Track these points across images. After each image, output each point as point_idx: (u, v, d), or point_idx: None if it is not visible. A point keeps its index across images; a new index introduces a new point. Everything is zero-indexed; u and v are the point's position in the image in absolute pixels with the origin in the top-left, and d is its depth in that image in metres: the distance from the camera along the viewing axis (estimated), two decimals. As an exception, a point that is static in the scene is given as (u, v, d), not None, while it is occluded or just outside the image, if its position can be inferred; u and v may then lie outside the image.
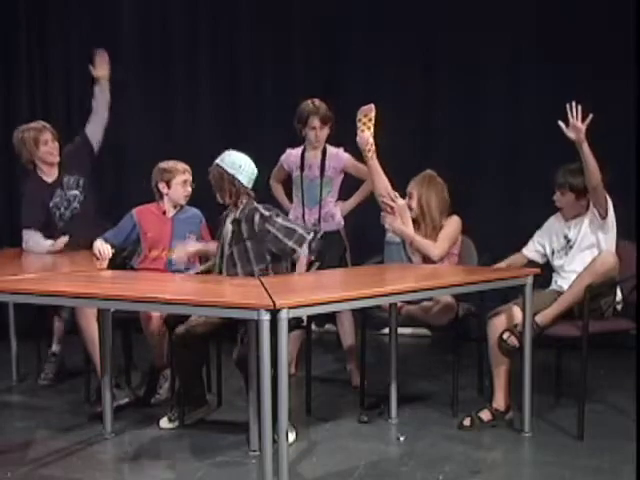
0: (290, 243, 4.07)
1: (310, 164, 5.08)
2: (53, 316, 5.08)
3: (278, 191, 5.34)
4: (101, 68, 5.18)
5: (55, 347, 5.07)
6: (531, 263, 4.52)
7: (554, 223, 4.51)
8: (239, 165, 4.13)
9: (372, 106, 4.52)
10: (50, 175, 5.01)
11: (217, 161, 4.18)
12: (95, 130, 5.14)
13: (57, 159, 4.99)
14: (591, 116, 4.12)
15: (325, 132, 5.02)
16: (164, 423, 4.27)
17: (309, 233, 4.13)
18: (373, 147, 4.55)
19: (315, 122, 4.98)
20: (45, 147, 4.95)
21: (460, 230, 4.64)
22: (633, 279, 4.25)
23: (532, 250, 4.57)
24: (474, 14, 6.03)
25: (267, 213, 4.09)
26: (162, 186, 4.68)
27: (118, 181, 6.58)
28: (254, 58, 6.49)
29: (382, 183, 4.60)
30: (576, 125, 4.13)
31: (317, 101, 5.03)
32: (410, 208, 4.60)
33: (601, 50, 5.70)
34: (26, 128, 4.99)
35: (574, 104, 4.14)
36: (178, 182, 4.66)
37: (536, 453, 3.95)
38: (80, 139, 5.11)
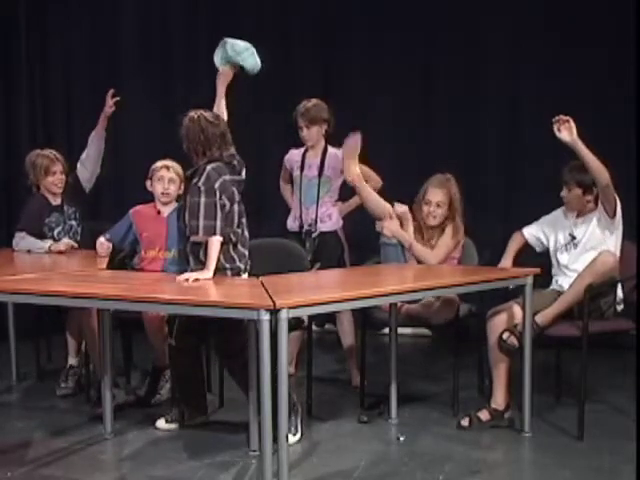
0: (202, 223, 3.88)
1: (310, 164, 5.08)
2: (65, 330, 5.08)
3: (286, 191, 5.33)
4: (107, 106, 5.24)
5: (72, 360, 5.06)
6: (529, 250, 4.53)
7: (561, 217, 4.50)
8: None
9: (358, 137, 4.56)
10: (54, 200, 5.13)
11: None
12: (86, 177, 5.26)
13: (60, 191, 5.12)
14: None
15: (314, 132, 5.00)
16: (161, 424, 4.27)
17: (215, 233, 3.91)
18: (361, 178, 4.60)
19: (300, 122, 5.00)
20: (52, 177, 5.07)
21: (462, 234, 4.65)
22: (633, 279, 4.25)
23: (534, 235, 4.56)
24: (474, 14, 6.04)
25: (203, 187, 3.90)
26: (149, 184, 4.69)
27: (118, 181, 6.58)
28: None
29: (374, 203, 4.60)
30: (565, 125, 4.11)
31: (312, 101, 5.02)
32: (434, 216, 4.60)
33: (601, 50, 5.71)
34: (40, 154, 5.12)
35: (554, 119, 4.14)
36: (156, 179, 4.65)
37: (536, 453, 3.95)
38: (72, 179, 5.20)
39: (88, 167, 5.23)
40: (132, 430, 4.26)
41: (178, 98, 6.60)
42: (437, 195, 4.61)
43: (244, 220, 4.07)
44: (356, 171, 4.60)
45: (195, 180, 3.94)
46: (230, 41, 4.40)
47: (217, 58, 4.45)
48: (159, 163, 4.68)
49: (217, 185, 3.91)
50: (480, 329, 4.36)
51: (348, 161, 4.61)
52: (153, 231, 4.63)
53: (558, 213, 4.53)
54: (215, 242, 3.89)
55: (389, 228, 4.54)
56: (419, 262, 4.56)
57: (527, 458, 3.98)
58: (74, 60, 6.80)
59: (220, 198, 3.91)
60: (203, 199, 3.89)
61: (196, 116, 4.01)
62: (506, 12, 5.96)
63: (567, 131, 4.13)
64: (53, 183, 5.07)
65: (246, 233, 4.08)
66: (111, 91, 5.23)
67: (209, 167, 3.94)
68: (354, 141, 4.59)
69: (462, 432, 4.17)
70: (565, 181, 4.39)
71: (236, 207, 4.00)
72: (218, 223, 3.89)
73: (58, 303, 3.71)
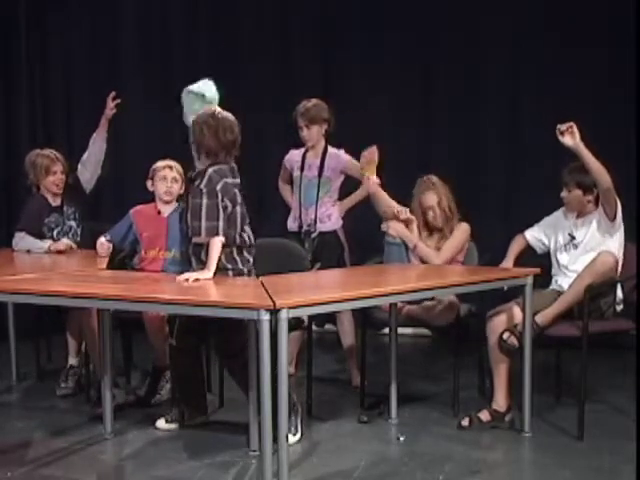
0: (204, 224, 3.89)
1: (310, 164, 5.09)
2: (66, 331, 5.07)
3: (285, 191, 5.33)
4: (108, 108, 5.23)
5: (72, 360, 5.06)
6: (529, 250, 4.52)
7: (561, 217, 4.50)
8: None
9: (374, 149, 4.57)
10: (54, 200, 5.13)
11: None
12: (87, 178, 5.27)
13: (60, 191, 5.13)
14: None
15: (314, 132, 5.01)
16: (161, 424, 4.27)
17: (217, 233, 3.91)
18: (378, 187, 4.63)
19: (300, 122, 5.01)
20: (53, 177, 5.08)
21: (468, 238, 4.65)
22: (633, 279, 4.25)
23: (536, 237, 4.55)
24: (474, 14, 6.04)
25: (205, 189, 3.90)
26: (150, 184, 4.69)
27: (118, 181, 6.58)
28: (254, 58, 6.50)
29: (385, 203, 4.62)
30: (568, 129, 4.12)
31: (312, 101, 5.02)
32: (439, 217, 4.62)
33: (601, 50, 5.71)
34: (40, 154, 5.12)
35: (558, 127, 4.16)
36: (158, 178, 4.65)
37: (536, 453, 3.95)
38: (73, 180, 5.21)
39: (89, 168, 5.24)
40: (132, 430, 4.26)
41: (178, 98, 6.60)
42: (430, 198, 4.63)
43: (247, 227, 4.06)
44: (375, 181, 4.62)
45: (197, 182, 3.95)
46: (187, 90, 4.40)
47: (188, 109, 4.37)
48: (161, 163, 4.68)
49: (219, 187, 3.92)
50: (480, 329, 4.36)
51: (367, 174, 4.62)
52: (153, 231, 4.63)
53: (559, 214, 4.53)
54: (217, 242, 3.89)
55: (395, 228, 4.55)
56: (423, 263, 4.56)
57: (527, 458, 3.98)
58: (74, 60, 6.79)
59: (222, 200, 3.92)
60: (205, 200, 3.89)
61: (220, 116, 4.02)
62: (506, 12, 5.96)
63: (570, 135, 4.12)
64: (54, 183, 5.07)
65: (252, 239, 4.07)
66: (112, 94, 5.23)
67: (211, 170, 3.95)
68: (371, 153, 4.59)
69: (462, 432, 4.16)
70: (565, 182, 4.39)
71: (238, 209, 4.00)
72: (220, 224, 3.90)
73: (58, 303, 3.71)
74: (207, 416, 4.31)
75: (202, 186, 3.91)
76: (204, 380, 4.36)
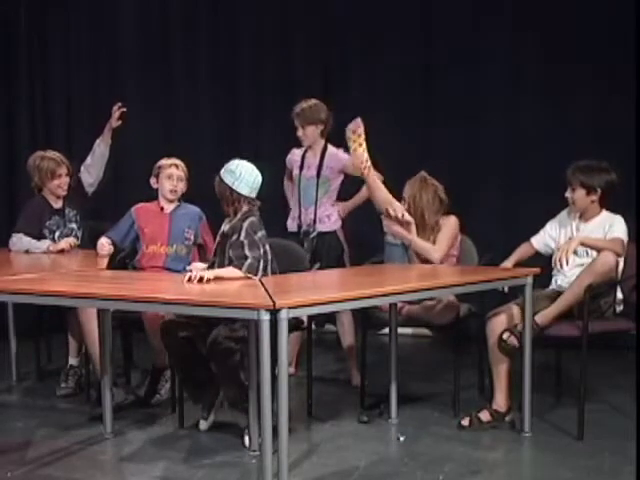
0: (249, 254, 3.89)
1: (309, 164, 5.09)
2: (67, 331, 5.06)
3: (288, 190, 5.33)
4: (113, 119, 5.26)
5: (72, 360, 5.06)
6: (537, 254, 4.52)
7: (565, 218, 4.48)
8: (238, 173, 3.98)
9: (359, 121, 4.50)
10: (55, 203, 5.14)
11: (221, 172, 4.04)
12: (89, 182, 5.29)
13: (65, 193, 5.13)
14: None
15: (309, 132, 5.02)
16: (203, 425, 4.19)
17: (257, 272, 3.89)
18: (369, 163, 4.54)
19: (296, 123, 5.03)
20: (58, 180, 5.08)
21: (458, 230, 4.64)
22: (633, 279, 4.24)
23: (542, 242, 4.53)
24: (474, 14, 6.04)
25: (245, 240, 3.92)
26: (154, 182, 4.71)
27: (118, 181, 6.58)
28: (254, 57, 6.50)
29: (382, 196, 4.59)
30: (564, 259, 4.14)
31: (308, 102, 5.03)
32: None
33: (601, 50, 5.71)
34: (45, 157, 5.11)
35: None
36: (164, 176, 4.67)
37: (536, 453, 3.95)
38: (75, 182, 5.21)
39: (92, 173, 5.28)
40: (132, 430, 4.26)
41: (178, 98, 6.62)
42: (405, 191, 4.63)
43: None
44: (363, 155, 4.52)
45: (235, 236, 3.94)
46: None
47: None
48: (167, 161, 4.70)
49: (257, 237, 3.95)
50: (480, 329, 4.36)
51: (353, 145, 4.54)
52: (155, 226, 4.65)
53: (563, 214, 4.51)
54: (239, 273, 3.84)
55: (390, 227, 4.53)
56: (422, 261, 4.55)
57: (527, 458, 3.98)
58: (74, 60, 6.79)
59: (263, 250, 3.95)
60: (247, 249, 3.89)
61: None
62: (506, 11, 5.96)
63: (570, 258, 4.14)
64: (59, 186, 5.08)
65: None
66: (117, 104, 5.25)
67: (246, 224, 3.95)
68: (355, 125, 4.53)
69: (462, 432, 4.16)
70: (569, 181, 4.37)
71: (269, 266, 4.00)
72: (261, 266, 3.90)
73: (58, 303, 3.70)
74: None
75: (242, 238, 3.92)
76: (203, 357, 4.09)
